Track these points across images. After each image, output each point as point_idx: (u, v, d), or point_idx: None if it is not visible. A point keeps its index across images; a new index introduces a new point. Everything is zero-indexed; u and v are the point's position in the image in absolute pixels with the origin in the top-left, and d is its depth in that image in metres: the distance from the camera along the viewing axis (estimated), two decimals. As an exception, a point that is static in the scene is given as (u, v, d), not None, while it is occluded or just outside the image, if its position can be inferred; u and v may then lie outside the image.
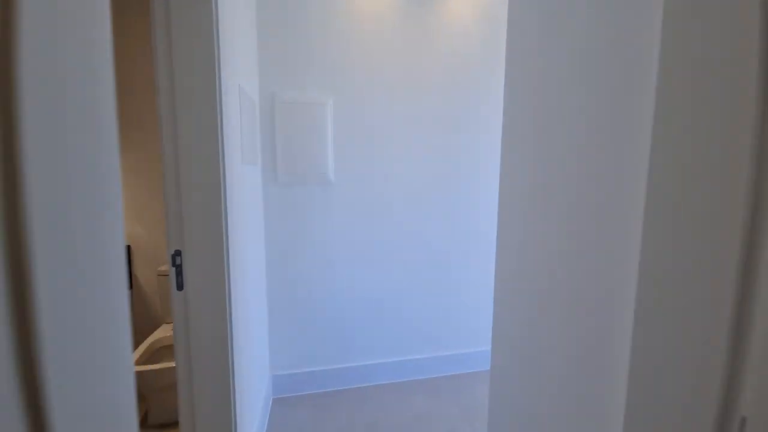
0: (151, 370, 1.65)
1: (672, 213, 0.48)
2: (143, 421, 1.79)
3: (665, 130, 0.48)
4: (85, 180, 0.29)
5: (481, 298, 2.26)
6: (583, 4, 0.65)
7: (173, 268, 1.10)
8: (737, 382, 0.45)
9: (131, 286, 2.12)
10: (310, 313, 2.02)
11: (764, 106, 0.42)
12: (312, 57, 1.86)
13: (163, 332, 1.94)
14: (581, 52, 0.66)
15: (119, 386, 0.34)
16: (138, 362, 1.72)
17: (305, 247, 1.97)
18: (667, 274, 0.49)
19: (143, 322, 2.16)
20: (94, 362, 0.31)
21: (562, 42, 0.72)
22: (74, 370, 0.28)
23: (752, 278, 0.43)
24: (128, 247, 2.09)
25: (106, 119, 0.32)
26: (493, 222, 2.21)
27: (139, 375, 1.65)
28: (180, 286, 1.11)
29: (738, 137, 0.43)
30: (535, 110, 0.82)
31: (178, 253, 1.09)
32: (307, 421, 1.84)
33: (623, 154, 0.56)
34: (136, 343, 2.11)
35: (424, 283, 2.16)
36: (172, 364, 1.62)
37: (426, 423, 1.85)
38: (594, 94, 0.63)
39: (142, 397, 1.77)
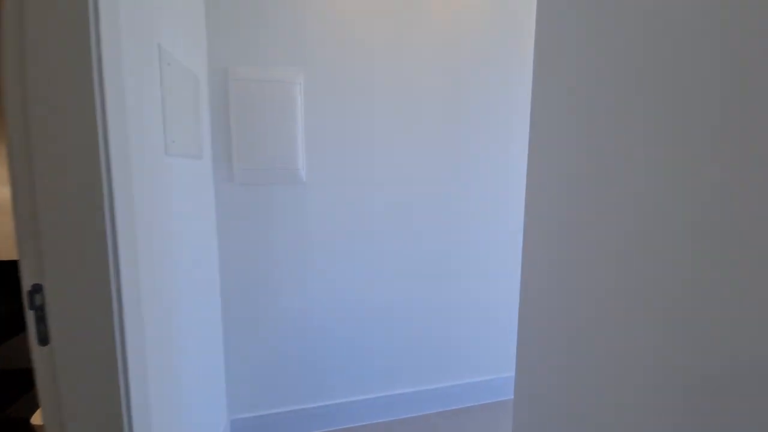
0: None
1: None
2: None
3: None
4: None
5: (485, 319, 1.89)
6: None
7: (31, 312, 0.73)
8: None
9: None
10: (277, 343, 1.65)
11: None
12: (276, 22, 1.48)
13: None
14: None
15: None
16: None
17: (271, 261, 1.60)
18: None
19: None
20: None
21: None
22: None
23: None
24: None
25: None
26: (500, 230, 1.84)
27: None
28: (43, 340, 0.74)
29: None
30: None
31: (37, 290, 0.73)
32: (270, 477, 1.49)
33: None
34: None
35: (415, 302, 1.79)
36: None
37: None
38: None
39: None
